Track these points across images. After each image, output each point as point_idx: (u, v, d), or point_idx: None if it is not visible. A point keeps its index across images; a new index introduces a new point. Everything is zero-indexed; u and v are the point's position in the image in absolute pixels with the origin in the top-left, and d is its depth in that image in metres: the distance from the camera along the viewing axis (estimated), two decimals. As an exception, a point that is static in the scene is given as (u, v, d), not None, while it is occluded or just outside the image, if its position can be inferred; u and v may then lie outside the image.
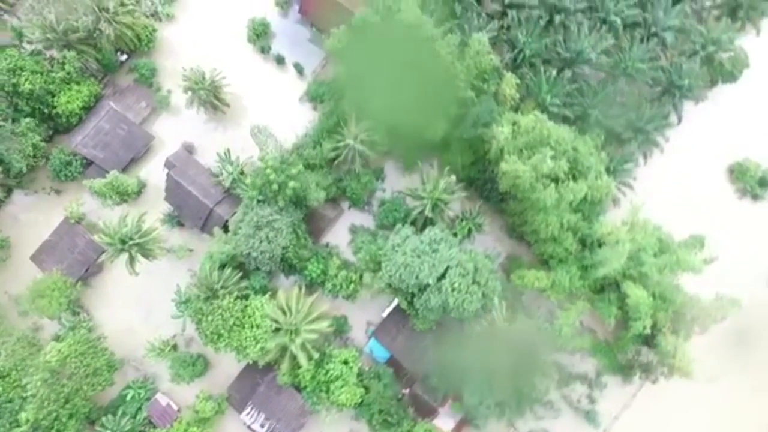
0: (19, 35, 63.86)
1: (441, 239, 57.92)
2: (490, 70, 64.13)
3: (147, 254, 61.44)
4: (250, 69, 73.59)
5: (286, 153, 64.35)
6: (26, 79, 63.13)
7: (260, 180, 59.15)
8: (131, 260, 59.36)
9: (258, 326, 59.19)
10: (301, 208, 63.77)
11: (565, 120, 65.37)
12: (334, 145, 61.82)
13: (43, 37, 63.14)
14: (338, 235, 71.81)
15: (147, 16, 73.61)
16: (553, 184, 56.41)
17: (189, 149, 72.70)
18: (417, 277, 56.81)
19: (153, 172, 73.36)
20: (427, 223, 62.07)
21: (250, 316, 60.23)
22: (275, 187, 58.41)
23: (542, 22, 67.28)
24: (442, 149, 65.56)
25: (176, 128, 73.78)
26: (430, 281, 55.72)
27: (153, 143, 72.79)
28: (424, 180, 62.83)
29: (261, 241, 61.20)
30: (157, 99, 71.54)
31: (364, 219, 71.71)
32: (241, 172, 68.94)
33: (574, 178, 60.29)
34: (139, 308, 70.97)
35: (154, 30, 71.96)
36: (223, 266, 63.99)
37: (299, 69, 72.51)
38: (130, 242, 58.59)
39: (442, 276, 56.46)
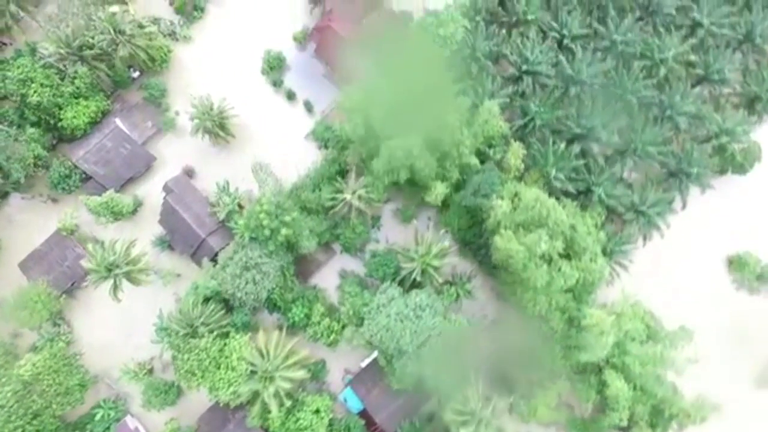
0: (32, 51, 63.91)
1: (426, 305, 57.34)
2: (498, 137, 63.78)
3: (133, 281, 61.22)
4: (260, 100, 73.45)
5: (283, 196, 63.75)
6: (35, 91, 63.28)
7: (253, 222, 58.80)
8: (115, 287, 59.18)
9: (233, 369, 58.71)
10: (292, 252, 63.47)
11: (567, 194, 65.01)
12: (332, 195, 61.42)
13: (56, 52, 63.19)
14: (327, 277, 71.21)
15: (164, 35, 73.93)
16: (545, 265, 55.81)
17: (189, 173, 72.58)
18: (398, 342, 56.27)
19: (151, 191, 73.19)
20: (416, 284, 61.63)
21: (227, 357, 59.74)
22: (267, 232, 58.10)
23: (557, 93, 66.78)
24: (440, 208, 65.19)
25: (180, 150, 73.69)
26: (410, 349, 55.22)
27: (154, 163, 73.11)
28: (417, 240, 62.38)
29: (247, 283, 60.89)
30: (164, 120, 71.46)
31: (355, 264, 71.35)
32: (239, 205, 68.93)
33: (569, 258, 59.79)
34: (121, 326, 70.71)
35: (170, 51, 71.98)
36: (207, 300, 63.92)
37: (309, 107, 72.29)
38: (117, 270, 58.40)
39: (423, 344, 55.97)
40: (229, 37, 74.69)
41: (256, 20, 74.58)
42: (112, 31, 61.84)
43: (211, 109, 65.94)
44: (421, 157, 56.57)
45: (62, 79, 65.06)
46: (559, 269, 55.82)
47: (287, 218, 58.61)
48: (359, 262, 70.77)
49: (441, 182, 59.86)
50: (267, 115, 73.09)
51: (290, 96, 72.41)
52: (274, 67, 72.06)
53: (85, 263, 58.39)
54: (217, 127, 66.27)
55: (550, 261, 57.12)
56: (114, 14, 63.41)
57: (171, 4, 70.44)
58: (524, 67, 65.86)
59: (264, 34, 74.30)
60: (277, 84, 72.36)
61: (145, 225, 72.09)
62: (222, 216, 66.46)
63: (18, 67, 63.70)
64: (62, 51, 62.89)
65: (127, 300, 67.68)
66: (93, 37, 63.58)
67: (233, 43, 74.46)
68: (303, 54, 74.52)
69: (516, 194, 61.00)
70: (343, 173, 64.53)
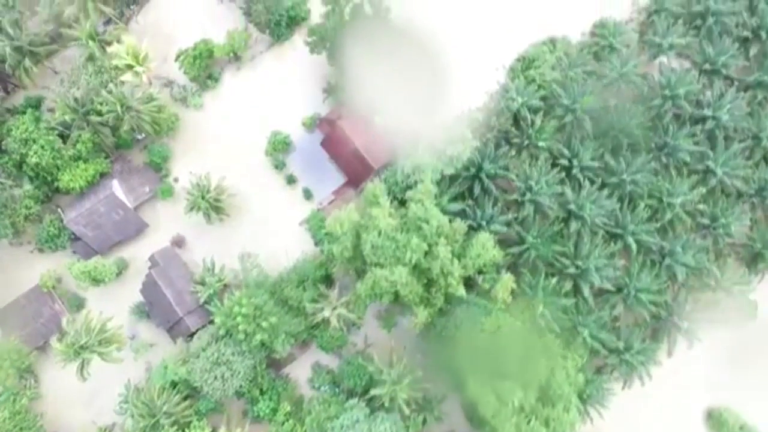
0: (36, 120, 63.81)
1: (390, 435, 56.44)
2: (490, 265, 62.77)
3: (103, 358, 60.69)
4: (260, 181, 72.47)
5: (266, 289, 62.90)
6: (35, 152, 62.89)
7: (229, 323, 58.14)
8: (82, 368, 58.69)
9: (191, 463, 58.22)
10: (266, 351, 62.71)
11: (551, 330, 63.80)
12: (313, 307, 60.60)
13: (62, 119, 62.99)
14: (301, 367, 70.18)
15: (175, 99, 73.48)
16: (515, 418, 54.71)
17: (179, 243, 71.97)
18: (355, 470, 55.47)
19: (138, 254, 72.42)
20: (384, 405, 60.58)
21: (185, 450, 59.27)
22: (241, 336, 57.46)
23: (557, 226, 65.67)
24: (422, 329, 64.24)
25: (174, 216, 72.52)
26: (369, 479, 54.34)
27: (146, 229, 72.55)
28: (392, 362, 61.35)
29: (216, 379, 60.11)
30: (161, 188, 70.84)
31: (330, 359, 70.53)
32: (225, 285, 68.26)
33: (542, 404, 58.64)
34: (88, 386, 69.20)
35: (177, 119, 71.28)
36: (174, 384, 63.32)
37: (307, 195, 71.35)
38: (86, 353, 57.85)
39: (381, 476, 55.05)
40: (239, 111, 73.69)
41: (269, 98, 73.48)
42: (119, 108, 61.56)
43: (208, 191, 65.44)
44: (406, 286, 55.78)
45: (64, 142, 64.77)
46: (529, 422, 54.77)
47: (265, 324, 57.88)
48: (335, 357, 70.19)
49: (424, 308, 58.95)
50: (265, 197, 72.08)
51: (290, 180, 71.59)
52: (279, 149, 71.07)
53: (54, 344, 58.01)
54: (211, 208, 65.74)
55: (521, 410, 56.15)
56: (123, 87, 62.97)
57: (184, 72, 69.97)
58: (527, 195, 64.84)
59: (275, 112, 73.15)
60: (279, 167, 71.49)
61: (128, 287, 71.41)
62: (203, 298, 65.97)
63: (20, 126, 63.52)
64: (67, 118, 62.67)
65: (98, 361, 67.73)
66: (101, 103, 63.29)
67: (243, 117, 73.43)
68: (310, 138, 73.23)
69: (499, 327, 60.09)
70: (329, 279, 63.75)
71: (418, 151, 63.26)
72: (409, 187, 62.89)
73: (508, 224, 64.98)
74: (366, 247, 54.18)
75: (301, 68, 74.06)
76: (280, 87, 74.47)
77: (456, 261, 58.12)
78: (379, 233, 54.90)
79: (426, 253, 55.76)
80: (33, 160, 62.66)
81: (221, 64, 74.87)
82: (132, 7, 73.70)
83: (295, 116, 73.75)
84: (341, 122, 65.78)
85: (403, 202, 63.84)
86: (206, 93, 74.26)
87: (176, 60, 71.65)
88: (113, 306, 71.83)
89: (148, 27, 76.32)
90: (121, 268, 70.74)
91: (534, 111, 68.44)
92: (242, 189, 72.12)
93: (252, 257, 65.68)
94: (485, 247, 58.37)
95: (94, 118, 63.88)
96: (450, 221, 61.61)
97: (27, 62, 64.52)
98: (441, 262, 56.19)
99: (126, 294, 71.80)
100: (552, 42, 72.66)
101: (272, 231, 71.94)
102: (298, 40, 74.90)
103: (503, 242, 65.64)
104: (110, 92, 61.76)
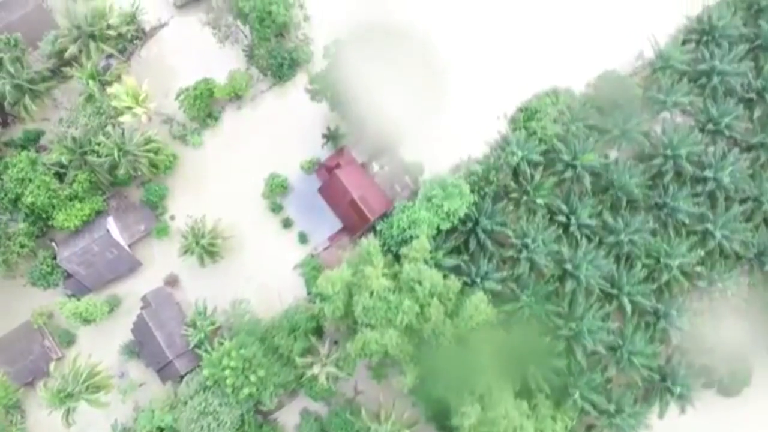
0: (33, 163, 63.50)
1: (375, 497, 55.95)
2: (483, 323, 62.19)
3: (90, 404, 60.36)
4: (256, 222, 72.03)
5: (256, 337, 62.36)
6: (31, 192, 62.61)
7: (218, 374, 57.75)
8: (68, 414, 58.37)
9: None
10: (254, 402, 62.30)
11: (541, 390, 63.19)
12: (302, 360, 60.14)
13: (58, 160, 62.72)
14: (288, 414, 69.34)
15: (174, 137, 73.20)
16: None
17: (172, 282, 71.64)
18: None
19: (132, 291, 72.27)
20: (370, 463, 60.12)
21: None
22: (230, 390, 57.06)
23: (552, 285, 65.13)
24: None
25: (169, 254, 72.15)
26: None
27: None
28: (381, 418, 60.83)
29: (202, 429, 59.64)
30: (157, 227, 70.56)
31: (318, 405, 69.91)
32: (217, 328, 67.78)
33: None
34: (75, 427, 69.65)
35: (175, 158, 70.94)
36: (161, 430, 62.97)
37: (303, 239, 70.86)
38: (71, 401, 57.53)
39: None
40: (238, 151, 73.27)
41: (268, 138, 73.07)
42: (116, 153, 61.26)
43: (203, 235, 65.08)
44: (396, 347, 55.32)
45: (61, 181, 64.39)
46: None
47: (253, 377, 57.48)
48: (323, 404, 69.66)
49: (414, 366, 58.42)
50: (260, 239, 71.70)
51: (287, 224, 71.11)
52: (276, 191, 70.56)
53: (40, 391, 57.72)
54: (205, 253, 65.38)
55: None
56: (122, 129, 62.68)
57: (184, 112, 69.66)
58: (524, 253, 64.29)
59: (274, 153, 72.55)
60: (275, 210, 71.03)
61: (120, 324, 71.30)
62: (193, 343, 65.60)
63: (15, 165, 63.24)
64: (63, 159, 62.44)
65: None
66: (99, 145, 63.01)
67: (241, 157, 72.94)
68: (308, 180, 72.58)
69: (489, 389, 59.51)
70: (320, 330, 63.32)
71: (414, 205, 63.08)
72: (404, 242, 62.40)
73: (502, 281, 64.56)
74: (357, 308, 53.77)
75: (302, 109, 73.41)
76: (280, 128, 74.00)
77: (448, 321, 57.65)
78: (371, 294, 54.45)
79: (418, 314, 55.35)
80: (28, 200, 62.49)
81: (222, 102, 74.44)
82: (135, 42, 73.55)
83: (294, 158, 73.03)
84: (339, 171, 65.33)
85: (397, 257, 63.56)
86: (206, 131, 73.96)
87: (176, 98, 71.39)
88: (104, 342, 72.15)
89: (151, 61, 76.24)
90: (114, 305, 70.52)
91: (534, 165, 68.09)
92: (238, 230, 71.88)
93: (244, 303, 65.38)
94: (478, 308, 57.78)
95: (91, 159, 63.65)
96: (444, 276, 61.33)
97: (27, 99, 64.27)
98: (433, 323, 55.80)
99: (118, 331, 71.65)
100: (555, 93, 71.92)
101: (266, 274, 71.51)
102: (300, 80, 74.51)
103: (496, 297, 65.24)
104: (108, 136, 61.53)
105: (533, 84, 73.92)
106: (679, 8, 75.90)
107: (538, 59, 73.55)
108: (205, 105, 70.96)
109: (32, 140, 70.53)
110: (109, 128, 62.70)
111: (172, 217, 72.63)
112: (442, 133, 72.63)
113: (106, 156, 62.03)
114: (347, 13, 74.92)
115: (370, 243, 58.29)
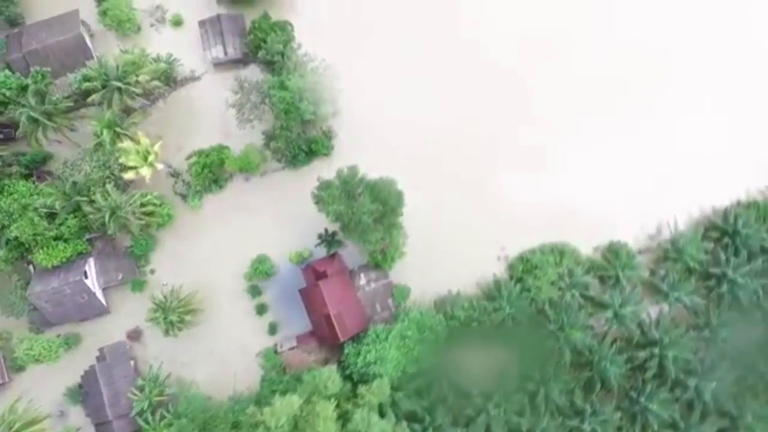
0: (24, 208, 63.11)
1: None
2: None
3: (21, 450, 59.86)
4: (232, 300, 70.99)
5: (200, 423, 61.57)
6: (17, 227, 62.34)
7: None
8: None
9: None
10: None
11: None
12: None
13: (52, 205, 62.42)
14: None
15: (176, 193, 72.53)
16: None
17: (135, 336, 70.88)
18: None
19: (93, 332, 71.35)
20: None
21: None
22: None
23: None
24: None
25: (138, 308, 70.75)
26: None
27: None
28: None
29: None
30: (134, 282, 69.97)
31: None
32: (165, 398, 66.42)
33: None
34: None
35: (170, 218, 70.08)
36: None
37: (272, 329, 69.83)
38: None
39: None
40: (234, 224, 72.13)
41: (267, 218, 71.96)
42: (108, 216, 60.82)
43: (172, 309, 64.18)
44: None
45: (50, 221, 63.87)
46: None
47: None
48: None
49: None
50: (232, 318, 70.65)
51: (260, 310, 70.11)
52: (259, 275, 69.58)
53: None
54: (170, 326, 64.51)
55: None
56: (122, 190, 62.00)
57: (191, 176, 68.99)
58: (481, 417, 61.69)
59: (269, 235, 71.47)
60: (253, 293, 70.12)
61: (73, 363, 70.42)
62: (135, 411, 64.77)
63: (7, 197, 63.05)
64: (57, 206, 62.15)
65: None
66: (94, 201, 62.42)
67: (236, 231, 71.88)
68: (294, 271, 71.61)
69: None
70: None
71: (387, 339, 61.65)
72: (367, 375, 61.13)
73: (457, 438, 62.99)
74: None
75: (309, 198, 71.87)
76: (282, 211, 72.81)
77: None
78: (314, 436, 53.26)
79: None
80: (13, 233, 62.25)
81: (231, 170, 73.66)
82: (163, 88, 72.30)
83: (289, 244, 71.75)
84: (323, 283, 64.05)
85: (355, 385, 62.24)
86: (208, 195, 73.11)
87: (187, 158, 70.97)
88: (53, 376, 71.16)
89: (173, 111, 75.48)
90: (72, 344, 69.88)
91: (518, 322, 66.42)
92: (213, 303, 71.01)
93: (193, 386, 64.60)
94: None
95: (86, 208, 63.17)
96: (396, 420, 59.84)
97: (39, 133, 63.87)
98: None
99: (70, 369, 70.63)
100: (560, 251, 69.74)
101: (229, 353, 70.63)
102: (315, 168, 73.80)
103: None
104: (105, 196, 60.99)
105: (543, 232, 72.06)
106: (709, 195, 74.34)
107: (555, 208, 71.28)
108: (213, 173, 70.32)
109: (38, 162, 70.39)
110: (108, 186, 62.33)
111: (152, 271, 71.99)
112: (436, 260, 71.51)
113: (98, 212, 61.55)
114: (374, 105, 74.51)
115: (329, 376, 56.90)
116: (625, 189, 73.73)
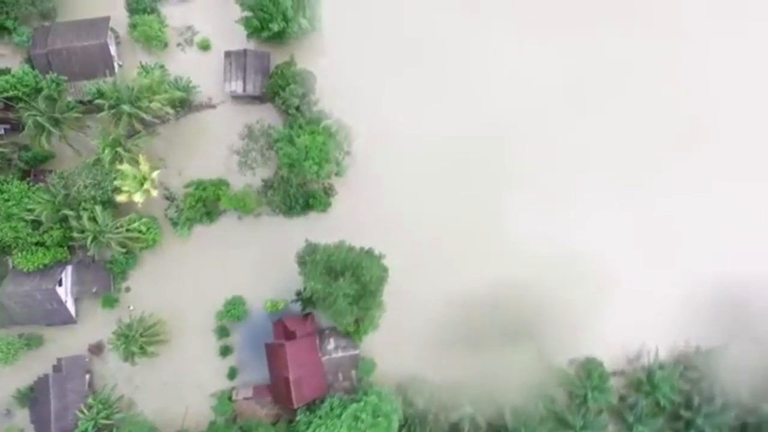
0: (9, 217, 62.91)
1: None
2: None
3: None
4: (198, 336, 70.38)
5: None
6: (0, 229, 62.31)
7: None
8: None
9: None
10: None
11: None
12: None
13: (39, 215, 61.99)
14: None
15: (166, 217, 71.74)
16: None
17: (96, 350, 70.46)
18: None
19: (54, 340, 70.90)
20: None
21: None
22: None
23: None
24: None
25: (106, 323, 70.51)
26: None
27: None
28: None
29: None
30: (106, 296, 69.38)
31: None
32: (110, 423, 65.62)
33: None
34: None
35: (155, 242, 69.34)
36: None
37: (232, 374, 69.18)
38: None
39: None
40: (218, 259, 71.25)
41: (252, 260, 70.93)
42: (90, 239, 60.47)
43: (135, 339, 63.49)
44: None
45: (34, 229, 63.66)
46: None
47: None
48: None
49: None
50: (194, 354, 70.10)
51: (224, 352, 69.40)
52: (230, 317, 68.70)
53: None
54: (130, 355, 63.89)
55: None
56: (111, 214, 61.78)
57: (184, 206, 68.45)
58: None
59: (249, 277, 70.57)
60: (220, 334, 69.51)
61: (30, 363, 69.97)
62: (79, 429, 64.20)
63: (4, 193, 62.52)
64: (43, 217, 61.79)
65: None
66: (83, 213, 61.94)
67: (218, 267, 71.15)
68: (264, 321, 70.25)
69: None
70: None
71: (341, 418, 60.54)
72: (310, 449, 60.27)
73: None
74: None
75: (295, 249, 69.96)
76: (269, 255, 71.53)
77: None
78: None
79: None
80: (-5, 233, 62.14)
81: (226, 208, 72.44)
82: (176, 109, 71.83)
83: (266, 291, 70.86)
84: (289, 346, 63.07)
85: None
86: (198, 226, 72.26)
87: (185, 187, 70.43)
88: (8, 375, 70.17)
89: (180, 134, 74.49)
90: (33, 346, 69.66)
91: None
92: (179, 334, 70.43)
93: (140, 415, 64.04)
94: None
95: (72, 222, 62.85)
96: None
97: (43, 138, 63.69)
98: None
99: (24, 370, 70.16)
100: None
101: (184, 388, 70.17)
102: (308, 219, 72.85)
103: None
104: (92, 219, 60.59)
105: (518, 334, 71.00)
106: (695, 332, 72.53)
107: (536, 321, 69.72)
108: (207, 207, 69.70)
109: (39, 160, 70.11)
110: (97, 208, 61.92)
111: (128, 289, 71.35)
112: (408, 339, 70.56)
113: (82, 233, 61.32)
114: (380, 175, 72.82)
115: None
116: (619, 304, 70.89)
